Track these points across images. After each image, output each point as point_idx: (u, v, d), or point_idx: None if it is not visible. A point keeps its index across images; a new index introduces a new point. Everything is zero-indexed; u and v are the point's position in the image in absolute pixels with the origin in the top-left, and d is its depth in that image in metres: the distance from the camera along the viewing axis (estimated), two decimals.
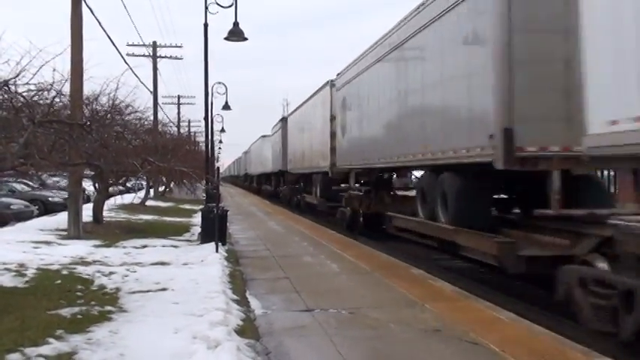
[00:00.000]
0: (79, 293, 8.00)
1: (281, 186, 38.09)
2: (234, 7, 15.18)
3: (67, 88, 12.72)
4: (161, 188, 37.25)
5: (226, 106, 28.10)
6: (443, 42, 11.28)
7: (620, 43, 6.08)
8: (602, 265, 7.31)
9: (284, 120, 36.69)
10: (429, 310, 7.66)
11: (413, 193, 17.42)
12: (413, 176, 19.46)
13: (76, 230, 14.47)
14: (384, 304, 8.07)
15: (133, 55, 34.15)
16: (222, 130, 44.72)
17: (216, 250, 11.80)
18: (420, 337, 6.48)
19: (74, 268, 9.79)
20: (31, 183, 26.48)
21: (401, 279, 9.78)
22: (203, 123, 22.43)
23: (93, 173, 17.95)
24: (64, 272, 9.47)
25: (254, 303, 8.17)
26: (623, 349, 7.06)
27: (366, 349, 6.13)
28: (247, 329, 6.62)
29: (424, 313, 7.50)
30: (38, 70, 9.63)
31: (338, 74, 21.47)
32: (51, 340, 5.67)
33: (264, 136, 47.65)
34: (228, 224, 15.50)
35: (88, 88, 15.27)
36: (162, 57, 36.92)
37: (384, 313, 7.43)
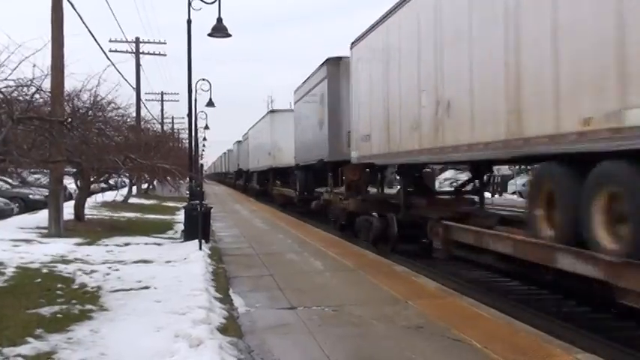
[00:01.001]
0: (59, 292, 7.91)
1: (323, 189, 20.68)
2: (217, 3, 15.09)
3: (47, 84, 12.58)
4: (144, 186, 37.03)
5: (210, 103, 27.96)
6: None
7: None
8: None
9: (333, 62, 18.87)
10: (412, 307, 7.66)
11: None
12: None
13: (57, 228, 14.32)
14: (368, 301, 8.06)
15: (116, 51, 33.80)
16: (206, 127, 44.50)
17: (200, 248, 11.74)
18: (403, 334, 6.47)
19: (55, 267, 9.68)
20: (10, 180, 26.16)
21: (385, 276, 9.78)
22: (187, 120, 22.30)
23: (74, 170, 17.78)
24: (45, 271, 9.37)
25: (237, 301, 8.13)
26: (604, 345, 7.14)
27: (350, 346, 6.11)
28: (230, 327, 6.58)
29: (407, 310, 7.50)
30: (17, 66, 9.51)
31: None
32: (30, 339, 5.60)
33: (273, 112, 33.18)
34: (211, 221, 15.44)
35: (69, 85, 15.10)
36: (146, 53, 36.68)
37: (368, 311, 7.43)
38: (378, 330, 6.63)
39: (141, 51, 36.09)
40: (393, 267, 10.93)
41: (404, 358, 5.65)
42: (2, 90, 9.55)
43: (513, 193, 34.59)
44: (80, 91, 14.63)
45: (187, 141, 23.07)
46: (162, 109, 51.55)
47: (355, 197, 16.19)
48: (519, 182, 38.57)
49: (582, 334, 7.59)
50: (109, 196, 25.44)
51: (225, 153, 78.58)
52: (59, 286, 8.29)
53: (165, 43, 37.76)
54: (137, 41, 35.85)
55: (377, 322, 6.89)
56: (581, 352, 5.81)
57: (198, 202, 13.46)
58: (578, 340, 7.04)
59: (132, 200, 28.87)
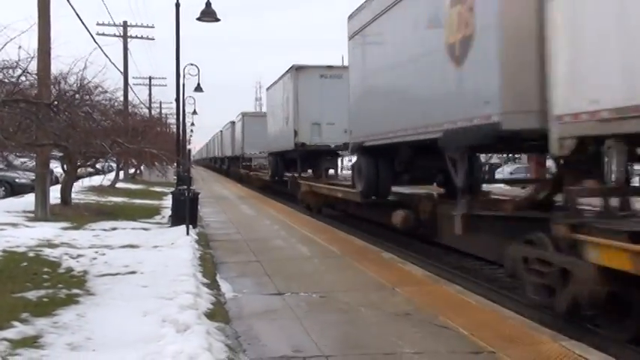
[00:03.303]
0: (45, 276, 7.86)
1: None
2: None
3: (33, 67, 12.43)
4: (131, 170, 36.83)
5: (198, 88, 27.78)
6: None
7: None
8: None
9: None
10: (399, 293, 7.69)
11: None
12: None
13: (44, 212, 14.23)
14: (355, 287, 8.08)
15: (103, 34, 33.57)
16: (194, 113, 44.20)
17: (187, 233, 11.71)
18: (390, 320, 6.50)
19: (41, 251, 9.61)
20: None
21: (372, 263, 9.80)
22: (174, 105, 22.10)
23: (61, 154, 17.64)
24: (31, 255, 9.30)
25: (224, 286, 8.12)
26: (590, 333, 7.20)
27: (337, 332, 6.13)
28: (217, 313, 6.57)
29: (394, 297, 7.53)
30: (2, 47, 9.39)
31: None
32: (16, 323, 5.55)
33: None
34: (199, 207, 15.40)
35: (56, 68, 14.95)
36: (133, 37, 36.40)
37: (355, 297, 7.44)
38: (366, 316, 6.64)
39: (129, 35, 35.80)
40: (380, 254, 10.96)
41: (391, 345, 5.66)
42: None
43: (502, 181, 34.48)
44: (67, 74, 14.49)
45: (175, 126, 22.77)
46: (149, 94, 51.23)
47: None
48: (507, 170, 38.80)
49: (568, 321, 7.64)
50: (96, 180, 25.26)
51: (231, 123, 46.76)
52: (45, 270, 8.25)
53: (153, 27, 37.53)
54: (125, 25, 35.56)
55: (364, 309, 6.91)
56: (566, 339, 5.86)
57: (185, 187, 13.42)
58: (564, 327, 7.09)
59: (119, 185, 28.72)
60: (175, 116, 20.63)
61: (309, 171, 25.77)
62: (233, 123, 46.28)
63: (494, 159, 55.36)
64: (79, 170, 19.82)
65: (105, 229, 12.94)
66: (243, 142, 39.43)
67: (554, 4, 7.09)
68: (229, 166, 50.23)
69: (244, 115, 40.83)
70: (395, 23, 12.32)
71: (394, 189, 14.47)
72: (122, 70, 34.09)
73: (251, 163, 39.56)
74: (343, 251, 11.02)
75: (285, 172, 27.45)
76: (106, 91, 17.87)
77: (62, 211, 15.59)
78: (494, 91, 8.30)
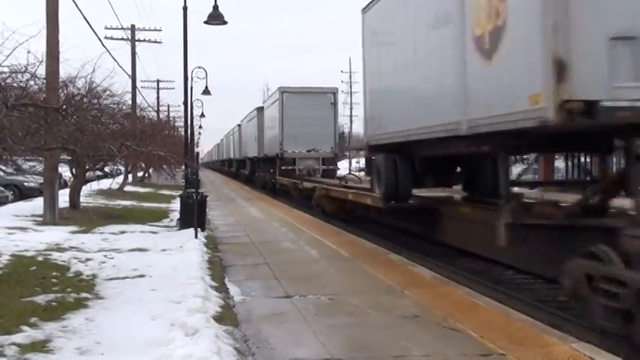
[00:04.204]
0: (54, 280, 7.88)
1: None
2: None
3: (41, 71, 12.46)
4: (140, 174, 36.94)
5: (206, 91, 27.74)
6: None
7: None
8: None
9: None
10: (408, 296, 7.66)
11: None
12: None
13: (52, 216, 14.27)
14: (363, 290, 8.06)
15: (112, 38, 33.71)
16: (202, 116, 44.22)
17: (195, 236, 11.72)
18: (398, 323, 6.47)
19: (50, 255, 9.64)
20: (5, 168, 26.06)
21: (380, 265, 9.77)
22: (182, 108, 22.09)
23: (69, 158, 17.71)
24: (39, 259, 9.33)
25: (233, 289, 8.11)
26: (598, 334, 7.14)
27: (345, 335, 6.11)
28: (226, 316, 6.57)
29: (403, 299, 7.50)
30: (12, 52, 9.42)
31: None
32: (25, 327, 5.58)
33: None
34: (207, 210, 15.41)
35: (64, 71, 14.98)
36: (141, 41, 36.55)
37: (363, 300, 7.42)
38: (374, 319, 6.62)
39: (136, 38, 35.95)
40: (389, 256, 10.92)
41: (400, 348, 5.64)
42: None
43: None
44: (75, 77, 14.52)
45: (183, 129, 22.56)
46: (157, 97, 51.31)
47: None
48: (515, 172, 38.61)
49: (578, 323, 7.59)
50: (105, 183, 25.34)
51: (258, 110, 34.67)
52: (54, 274, 8.26)
53: (160, 30, 37.73)
54: (132, 28, 35.70)
55: (373, 311, 6.89)
56: (576, 341, 5.82)
57: (193, 190, 13.43)
58: (574, 329, 7.04)
59: (127, 188, 28.80)
60: (183, 119, 20.65)
61: (460, 187, 13.65)
62: (260, 110, 33.69)
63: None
64: (87, 174, 19.89)
65: (113, 233, 12.96)
66: (281, 134, 26.44)
67: None
68: (253, 170, 36.89)
69: (284, 91, 26.66)
70: None
71: None
72: (130, 74, 34.22)
73: (295, 167, 26.65)
74: (351, 253, 10.98)
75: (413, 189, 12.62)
76: (114, 95, 17.89)
77: (71, 215, 15.65)
78: None
